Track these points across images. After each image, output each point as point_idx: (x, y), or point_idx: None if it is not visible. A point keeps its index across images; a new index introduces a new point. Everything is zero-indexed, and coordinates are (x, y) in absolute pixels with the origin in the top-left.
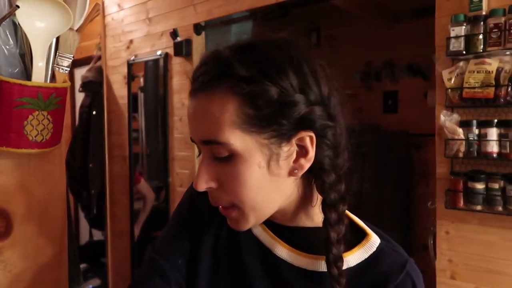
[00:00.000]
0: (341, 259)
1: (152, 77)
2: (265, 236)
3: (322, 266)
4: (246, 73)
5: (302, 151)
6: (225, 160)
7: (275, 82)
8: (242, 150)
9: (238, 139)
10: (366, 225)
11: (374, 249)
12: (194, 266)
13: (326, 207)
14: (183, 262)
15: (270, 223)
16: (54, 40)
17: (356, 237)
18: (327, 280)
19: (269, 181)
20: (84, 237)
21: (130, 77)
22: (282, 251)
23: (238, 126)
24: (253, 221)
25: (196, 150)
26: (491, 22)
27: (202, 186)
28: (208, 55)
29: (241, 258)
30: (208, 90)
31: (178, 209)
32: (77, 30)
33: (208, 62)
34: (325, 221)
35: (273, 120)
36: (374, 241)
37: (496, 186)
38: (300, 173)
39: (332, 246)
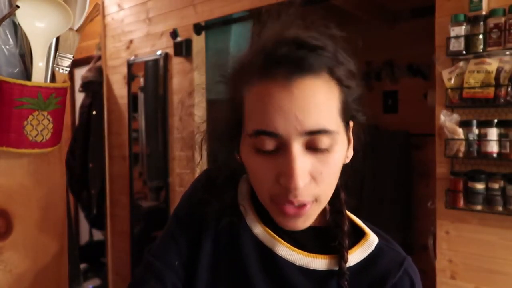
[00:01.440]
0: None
1: (152, 77)
2: (265, 235)
3: (324, 265)
4: (344, 61)
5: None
6: (322, 151)
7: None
8: (341, 139)
9: (340, 128)
10: (365, 224)
11: (373, 248)
12: (193, 268)
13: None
14: (180, 263)
15: (272, 223)
16: (54, 40)
17: (355, 237)
18: (329, 279)
19: (340, 169)
20: (84, 237)
21: (130, 77)
22: (283, 249)
23: (339, 114)
24: (315, 217)
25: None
26: (491, 22)
27: (304, 182)
28: (287, 37)
29: (242, 259)
30: (311, 74)
31: (176, 212)
32: (77, 30)
33: (296, 44)
34: (337, 205)
35: (350, 110)
36: (372, 240)
37: (496, 186)
38: (347, 161)
39: (344, 239)
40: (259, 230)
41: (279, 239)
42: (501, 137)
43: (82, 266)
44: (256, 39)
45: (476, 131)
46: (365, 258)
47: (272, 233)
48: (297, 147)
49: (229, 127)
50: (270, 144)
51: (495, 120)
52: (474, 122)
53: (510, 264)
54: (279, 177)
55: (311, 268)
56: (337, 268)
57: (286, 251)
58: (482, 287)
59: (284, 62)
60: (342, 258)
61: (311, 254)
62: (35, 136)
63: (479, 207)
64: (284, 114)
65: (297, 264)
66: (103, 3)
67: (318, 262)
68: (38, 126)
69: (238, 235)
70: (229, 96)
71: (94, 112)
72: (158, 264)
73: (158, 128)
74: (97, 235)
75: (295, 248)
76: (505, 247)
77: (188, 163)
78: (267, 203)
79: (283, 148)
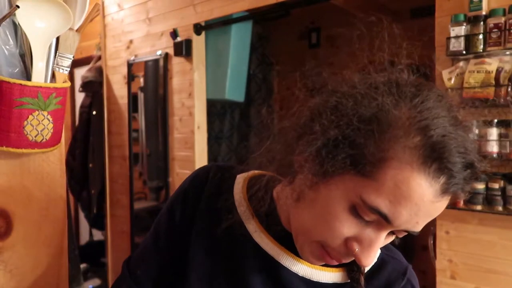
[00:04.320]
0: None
1: (152, 77)
2: (268, 244)
3: (329, 278)
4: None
5: None
6: (394, 235)
7: None
8: None
9: None
10: None
11: (375, 260)
12: (185, 274)
13: None
14: (142, 272)
15: (277, 232)
16: (54, 40)
17: None
18: None
19: None
20: (84, 237)
21: (130, 77)
22: (287, 259)
23: None
24: None
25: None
26: (491, 22)
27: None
28: (472, 162)
29: (241, 265)
30: (451, 194)
31: (159, 215)
32: (77, 30)
33: (470, 166)
34: None
35: None
36: None
37: (496, 186)
38: None
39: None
40: (261, 238)
41: (283, 248)
42: (501, 137)
43: (82, 266)
44: (419, 103)
45: (476, 131)
46: (368, 271)
47: (276, 241)
48: (386, 232)
49: (332, 147)
50: (371, 218)
51: (495, 120)
52: (474, 122)
53: (510, 264)
54: (352, 242)
55: (315, 280)
56: (343, 282)
57: (290, 261)
58: (482, 287)
59: (450, 177)
60: (358, 282)
61: (315, 265)
62: (35, 136)
63: (479, 207)
64: (412, 214)
65: (300, 275)
66: (103, 3)
67: (322, 275)
68: (38, 126)
69: (237, 240)
70: (364, 136)
71: (94, 112)
72: (124, 271)
73: (158, 128)
74: (97, 235)
75: (299, 259)
76: (505, 247)
77: (188, 163)
78: (308, 241)
79: (375, 224)
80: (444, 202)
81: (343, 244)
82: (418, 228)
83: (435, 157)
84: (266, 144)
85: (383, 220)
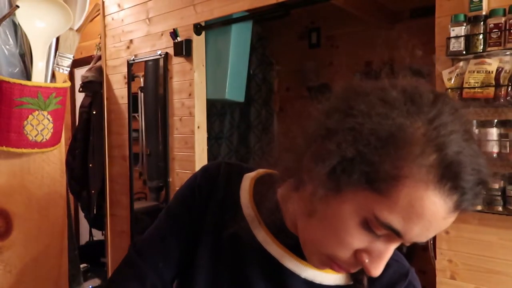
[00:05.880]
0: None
1: (152, 77)
2: (272, 245)
3: (331, 280)
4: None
5: None
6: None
7: None
8: None
9: None
10: None
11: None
12: (189, 273)
13: None
14: (164, 266)
15: (282, 235)
16: (54, 40)
17: None
18: None
19: None
20: (84, 237)
21: (130, 77)
22: (290, 261)
23: None
24: None
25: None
26: (491, 22)
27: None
28: (485, 179)
29: (244, 266)
30: (462, 210)
31: (168, 210)
32: (77, 30)
33: (482, 183)
34: None
35: None
36: None
37: (496, 186)
38: None
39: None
40: (266, 240)
41: (288, 250)
42: (501, 137)
43: (82, 266)
44: (431, 115)
45: (476, 131)
46: None
47: (280, 244)
48: (396, 244)
49: (345, 163)
50: (382, 232)
51: (495, 120)
52: (474, 122)
53: (510, 264)
54: (362, 253)
55: (317, 282)
56: (345, 284)
57: (293, 263)
58: (482, 287)
59: (463, 194)
60: (361, 283)
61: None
62: (35, 136)
63: (479, 207)
64: (424, 230)
65: (302, 277)
66: (103, 3)
67: (325, 277)
68: (38, 126)
69: (241, 241)
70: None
71: (94, 112)
72: (141, 263)
73: (158, 128)
74: (97, 235)
75: (302, 261)
76: (505, 247)
77: (188, 163)
78: (316, 252)
79: (386, 237)
80: (454, 216)
81: (353, 256)
82: (426, 239)
83: (450, 176)
84: (275, 154)
85: (394, 234)
